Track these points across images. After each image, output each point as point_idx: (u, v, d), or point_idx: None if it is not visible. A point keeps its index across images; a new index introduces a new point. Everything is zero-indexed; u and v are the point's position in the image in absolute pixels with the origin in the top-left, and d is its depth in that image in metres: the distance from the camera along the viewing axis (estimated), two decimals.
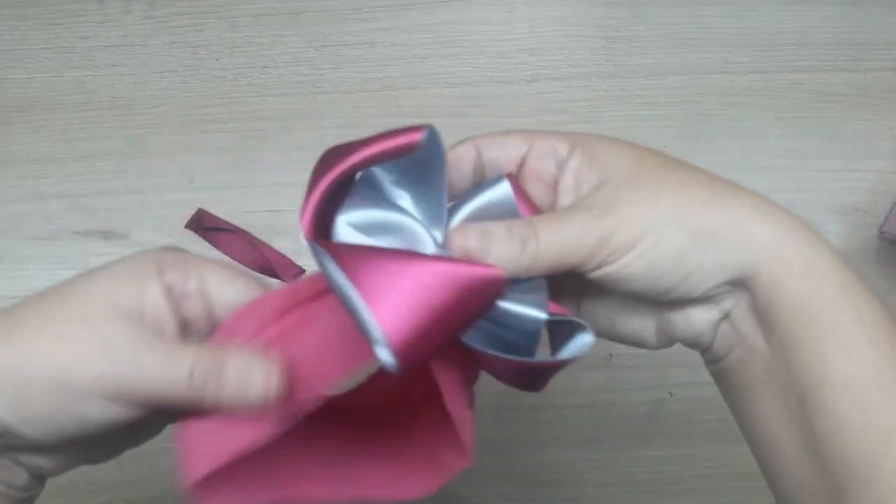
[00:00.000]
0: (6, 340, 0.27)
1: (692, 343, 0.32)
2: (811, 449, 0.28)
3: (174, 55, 0.58)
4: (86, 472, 0.53)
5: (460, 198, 0.30)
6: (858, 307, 0.28)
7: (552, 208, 0.31)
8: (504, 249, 0.27)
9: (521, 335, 0.27)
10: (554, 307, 0.28)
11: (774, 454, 0.30)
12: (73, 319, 0.27)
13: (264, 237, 0.38)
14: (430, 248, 0.28)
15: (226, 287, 0.29)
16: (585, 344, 0.28)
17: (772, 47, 0.58)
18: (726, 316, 0.30)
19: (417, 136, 0.26)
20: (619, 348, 0.56)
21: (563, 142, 0.31)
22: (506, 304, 0.27)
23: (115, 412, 0.26)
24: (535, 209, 0.30)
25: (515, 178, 0.30)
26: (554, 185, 0.31)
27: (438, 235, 0.29)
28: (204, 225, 0.33)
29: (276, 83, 0.58)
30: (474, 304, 0.26)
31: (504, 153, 0.31)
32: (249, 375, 0.26)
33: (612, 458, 0.55)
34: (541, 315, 0.27)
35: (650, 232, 0.28)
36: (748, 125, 0.57)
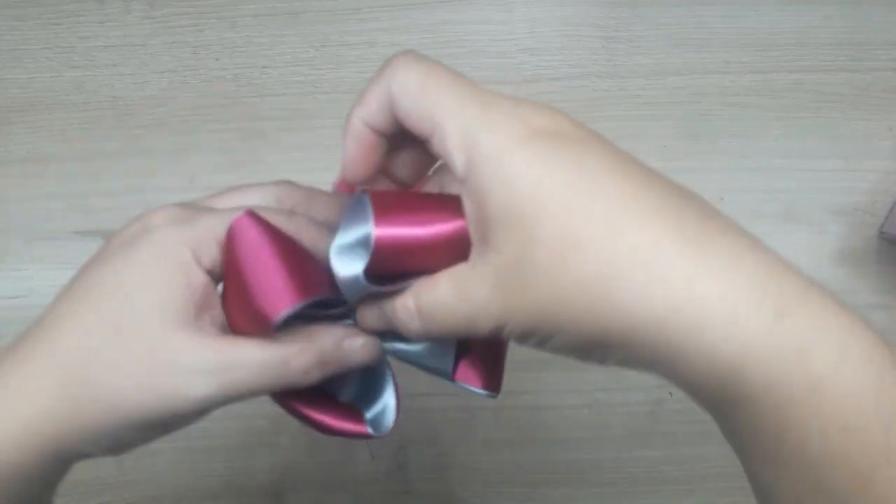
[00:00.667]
0: (83, 391, 0.26)
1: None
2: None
3: (174, 55, 0.58)
4: (86, 472, 0.53)
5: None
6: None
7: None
8: (403, 326, 0.27)
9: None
10: (463, 371, 0.30)
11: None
12: (145, 353, 0.26)
13: None
14: None
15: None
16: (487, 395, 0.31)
17: (772, 47, 0.58)
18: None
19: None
20: None
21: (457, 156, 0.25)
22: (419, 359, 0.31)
23: (209, 412, 0.27)
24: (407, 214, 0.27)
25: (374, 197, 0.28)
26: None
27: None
28: None
29: (276, 83, 0.58)
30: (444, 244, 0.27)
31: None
32: (342, 349, 0.28)
33: (612, 458, 0.55)
34: (447, 373, 0.30)
35: (545, 327, 0.24)
36: (748, 125, 0.57)
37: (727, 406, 0.23)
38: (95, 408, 0.26)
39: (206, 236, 0.28)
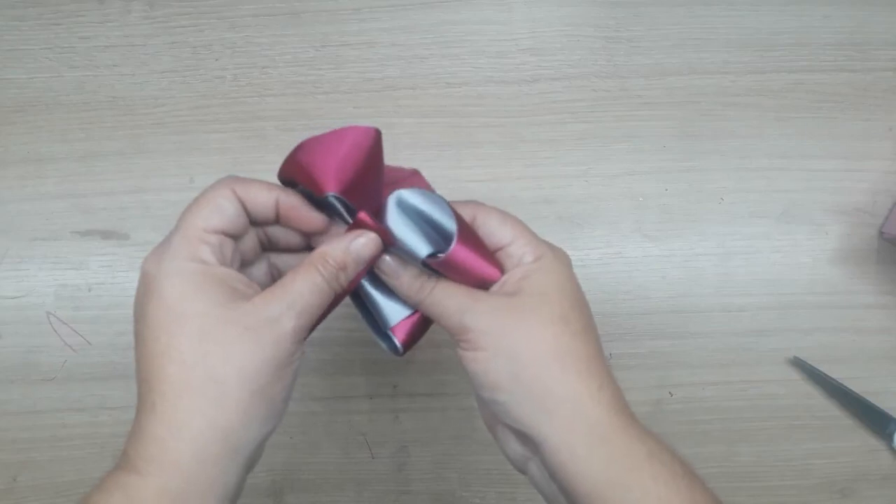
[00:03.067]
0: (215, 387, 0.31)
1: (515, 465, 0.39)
2: None
3: (174, 55, 0.58)
4: (86, 472, 0.53)
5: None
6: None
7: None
8: (406, 282, 0.37)
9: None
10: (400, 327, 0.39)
11: None
12: (238, 337, 0.31)
13: None
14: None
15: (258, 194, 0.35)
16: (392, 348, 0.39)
17: (772, 47, 0.58)
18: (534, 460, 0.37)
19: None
20: (619, 348, 0.56)
21: (533, 249, 0.37)
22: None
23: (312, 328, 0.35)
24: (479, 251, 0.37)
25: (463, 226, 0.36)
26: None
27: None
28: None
29: (276, 83, 0.58)
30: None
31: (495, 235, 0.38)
32: (352, 248, 0.35)
33: None
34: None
35: (497, 352, 0.34)
36: (748, 125, 0.57)
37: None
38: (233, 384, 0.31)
39: (190, 242, 0.33)
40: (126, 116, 0.57)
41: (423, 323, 0.39)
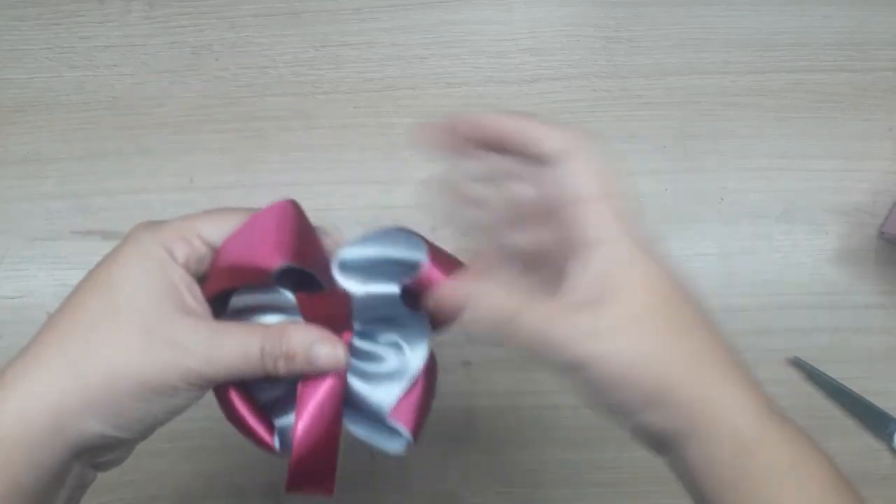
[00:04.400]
0: (84, 361, 0.29)
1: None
2: None
3: (174, 55, 0.58)
4: None
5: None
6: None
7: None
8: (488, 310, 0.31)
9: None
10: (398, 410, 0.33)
11: None
12: (139, 330, 0.30)
13: None
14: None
15: (222, 227, 0.33)
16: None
17: (772, 47, 0.58)
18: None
19: None
20: None
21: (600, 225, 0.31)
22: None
23: (196, 395, 0.30)
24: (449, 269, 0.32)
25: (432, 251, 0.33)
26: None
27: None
28: None
29: (276, 83, 0.58)
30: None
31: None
32: (314, 349, 0.31)
33: (612, 458, 0.55)
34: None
35: (613, 377, 0.30)
36: (748, 125, 0.57)
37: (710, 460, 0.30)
38: (95, 373, 0.29)
39: (176, 236, 0.32)
40: (126, 116, 0.57)
41: (427, 391, 0.34)
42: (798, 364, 0.55)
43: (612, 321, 0.30)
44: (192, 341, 0.30)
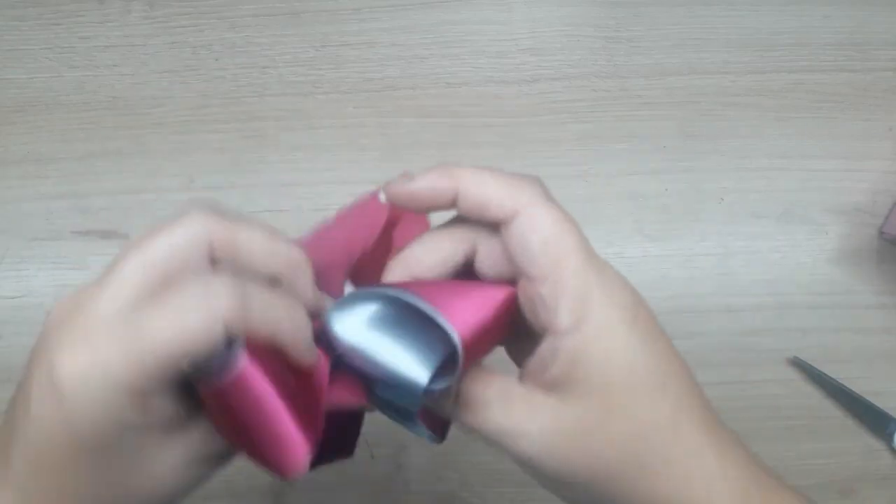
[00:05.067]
0: None
1: None
2: None
3: (174, 55, 0.58)
4: None
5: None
6: None
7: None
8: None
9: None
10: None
11: None
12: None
13: None
14: None
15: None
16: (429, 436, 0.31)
17: (772, 47, 0.58)
18: None
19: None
20: None
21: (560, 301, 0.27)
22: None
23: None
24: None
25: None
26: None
27: None
28: None
29: (276, 83, 0.58)
30: (502, 319, 0.28)
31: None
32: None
33: None
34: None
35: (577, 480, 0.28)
36: (748, 125, 0.57)
37: None
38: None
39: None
40: (126, 116, 0.57)
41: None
42: (798, 364, 0.55)
43: (574, 416, 0.27)
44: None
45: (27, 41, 0.58)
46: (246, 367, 0.25)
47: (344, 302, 0.28)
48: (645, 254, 0.56)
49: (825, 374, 0.55)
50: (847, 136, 0.57)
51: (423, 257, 0.29)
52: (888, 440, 0.54)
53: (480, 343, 0.27)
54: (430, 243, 0.29)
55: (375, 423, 0.56)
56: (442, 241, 0.30)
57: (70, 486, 0.25)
